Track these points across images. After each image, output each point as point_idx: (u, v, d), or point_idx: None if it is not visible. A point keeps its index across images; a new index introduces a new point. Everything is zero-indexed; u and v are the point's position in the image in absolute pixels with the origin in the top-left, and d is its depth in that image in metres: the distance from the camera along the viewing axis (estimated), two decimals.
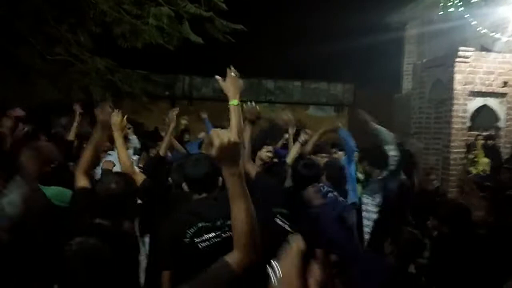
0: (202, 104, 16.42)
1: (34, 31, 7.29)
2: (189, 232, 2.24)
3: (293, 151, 4.14)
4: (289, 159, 4.08)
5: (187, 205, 2.43)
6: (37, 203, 2.47)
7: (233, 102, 2.42)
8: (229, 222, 2.08)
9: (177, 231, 2.26)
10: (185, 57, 9.98)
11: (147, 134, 7.74)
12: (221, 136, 1.36)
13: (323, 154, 4.91)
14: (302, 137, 4.22)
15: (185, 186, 2.50)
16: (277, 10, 13.88)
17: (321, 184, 4.15)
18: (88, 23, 7.43)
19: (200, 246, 2.23)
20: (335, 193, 3.93)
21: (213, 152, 1.37)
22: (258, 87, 15.58)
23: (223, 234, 2.26)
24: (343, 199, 3.92)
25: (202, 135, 6.16)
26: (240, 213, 1.44)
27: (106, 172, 3.58)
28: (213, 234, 2.26)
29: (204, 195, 2.39)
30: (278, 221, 2.73)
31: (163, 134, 4.61)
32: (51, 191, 2.75)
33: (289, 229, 2.72)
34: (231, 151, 1.37)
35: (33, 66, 7.70)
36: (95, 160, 2.85)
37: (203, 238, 2.24)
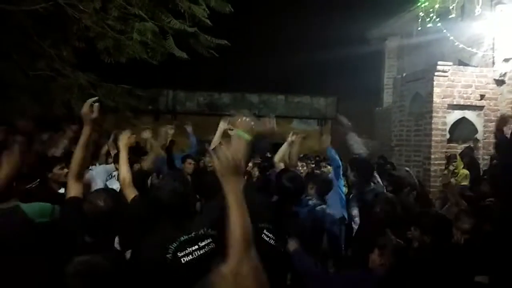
0: (186, 118, 16.33)
1: (16, 46, 7.22)
2: (171, 247, 2.18)
3: (282, 149, 4.22)
4: (277, 157, 4.17)
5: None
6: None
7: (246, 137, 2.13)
8: (213, 232, 2.08)
9: (159, 247, 2.19)
10: (169, 71, 9.99)
11: (131, 149, 7.68)
12: (226, 153, 1.49)
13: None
14: (290, 138, 4.29)
15: None
16: (260, 25, 14.04)
17: (308, 197, 4.21)
18: (71, 38, 7.39)
19: (183, 261, 2.17)
20: (323, 206, 3.97)
21: (217, 166, 1.49)
22: (242, 101, 15.48)
23: (206, 246, 2.22)
24: (330, 212, 3.89)
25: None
26: (238, 220, 1.49)
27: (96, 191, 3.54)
28: (196, 246, 2.21)
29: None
30: (264, 236, 2.60)
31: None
32: (31, 208, 2.69)
33: (274, 244, 2.63)
34: (235, 166, 1.50)
35: (15, 81, 7.59)
36: (87, 162, 2.79)
37: (186, 251, 2.19)
